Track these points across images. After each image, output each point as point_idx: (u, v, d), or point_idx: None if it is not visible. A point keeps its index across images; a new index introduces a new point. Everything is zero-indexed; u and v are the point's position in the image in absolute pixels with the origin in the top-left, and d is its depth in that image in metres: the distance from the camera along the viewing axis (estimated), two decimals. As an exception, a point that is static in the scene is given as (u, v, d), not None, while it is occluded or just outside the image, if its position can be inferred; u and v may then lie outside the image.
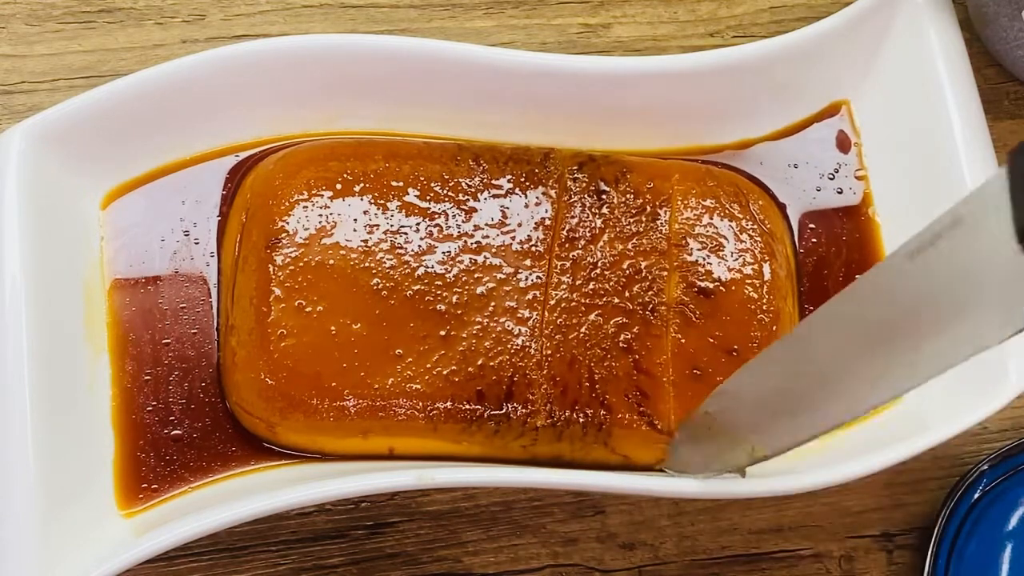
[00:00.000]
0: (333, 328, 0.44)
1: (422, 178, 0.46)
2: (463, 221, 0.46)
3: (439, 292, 0.45)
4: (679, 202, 0.47)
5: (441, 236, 0.45)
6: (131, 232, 0.47)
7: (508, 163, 0.47)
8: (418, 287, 0.45)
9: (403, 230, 0.45)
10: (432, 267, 0.45)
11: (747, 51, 0.48)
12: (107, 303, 0.46)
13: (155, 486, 0.44)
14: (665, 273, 0.46)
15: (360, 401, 0.43)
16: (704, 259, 0.46)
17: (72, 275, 0.45)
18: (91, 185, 0.46)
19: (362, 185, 0.46)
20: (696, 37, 0.54)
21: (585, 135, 0.49)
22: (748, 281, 0.46)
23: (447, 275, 0.45)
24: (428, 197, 0.46)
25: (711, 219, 0.47)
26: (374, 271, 0.45)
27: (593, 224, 0.46)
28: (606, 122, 0.49)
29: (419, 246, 0.45)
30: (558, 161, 0.47)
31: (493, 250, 0.45)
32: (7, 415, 0.41)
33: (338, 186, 0.46)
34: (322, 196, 0.45)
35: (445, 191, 0.46)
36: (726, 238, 0.47)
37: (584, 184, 0.47)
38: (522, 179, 0.47)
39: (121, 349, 0.45)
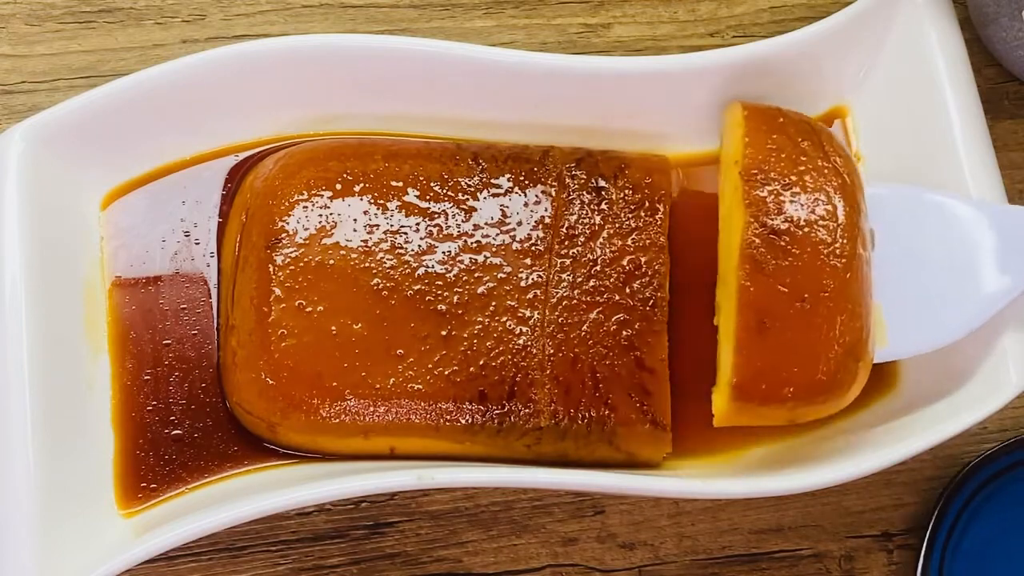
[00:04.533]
0: (334, 328, 0.44)
1: (421, 178, 0.46)
2: (463, 220, 0.46)
3: (440, 292, 0.45)
4: (746, 139, 0.44)
5: (441, 236, 0.45)
6: (131, 232, 0.47)
7: (507, 162, 0.47)
8: (419, 287, 0.45)
9: (403, 230, 0.45)
10: (432, 267, 0.45)
11: (747, 51, 0.48)
12: (107, 303, 0.46)
13: (155, 486, 0.44)
14: (665, 268, 0.46)
15: (361, 401, 0.43)
16: (775, 198, 0.43)
17: (72, 275, 0.45)
18: (91, 185, 0.46)
19: (362, 185, 0.46)
20: (696, 37, 0.54)
21: (585, 135, 0.49)
22: (821, 223, 0.43)
23: (447, 275, 0.45)
24: (428, 197, 0.46)
25: (782, 156, 0.44)
26: (374, 271, 0.45)
27: (592, 221, 0.46)
28: (606, 122, 0.49)
29: (419, 246, 0.45)
30: (557, 159, 0.47)
31: (493, 249, 0.45)
32: (7, 415, 0.41)
33: (338, 186, 0.46)
34: (322, 196, 0.45)
35: (445, 190, 0.46)
36: (798, 176, 0.43)
37: (583, 181, 0.47)
38: (521, 177, 0.47)
39: (121, 349, 0.46)
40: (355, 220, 0.45)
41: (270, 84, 0.47)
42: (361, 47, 0.47)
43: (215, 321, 0.46)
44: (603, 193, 0.47)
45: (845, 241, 0.43)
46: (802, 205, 0.43)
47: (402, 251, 0.45)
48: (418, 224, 0.45)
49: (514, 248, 0.46)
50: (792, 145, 0.44)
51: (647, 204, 0.47)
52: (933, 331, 0.45)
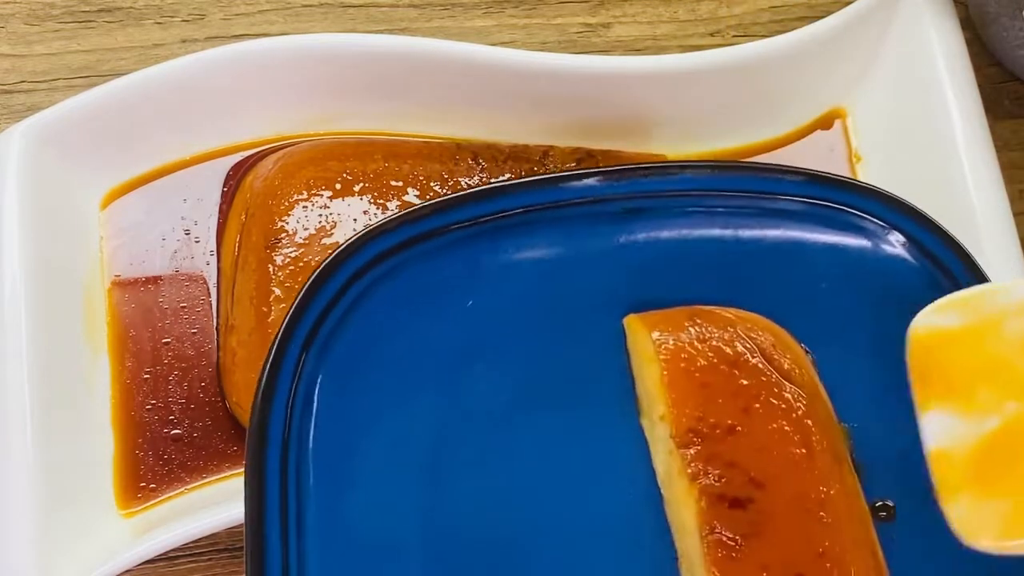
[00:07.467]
0: (333, 328, 0.44)
1: (421, 177, 0.46)
2: (463, 221, 0.46)
3: (439, 292, 0.45)
4: (666, 379, 0.35)
5: (441, 236, 0.45)
6: (131, 231, 0.47)
7: (507, 161, 0.47)
8: (418, 287, 0.45)
9: (403, 230, 0.45)
10: (432, 267, 0.45)
11: (747, 51, 0.48)
12: (107, 302, 0.46)
13: (154, 486, 0.44)
14: None
15: (360, 401, 0.43)
16: (725, 456, 0.34)
17: (72, 275, 0.45)
18: (91, 185, 0.46)
19: (362, 185, 0.46)
20: (696, 37, 0.54)
21: (584, 135, 0.49)
22: (790, 469, 0.35)
23: (447, 275, 0.45)
24: (428, 196, 0.46)
25: (716, 394, 0.35)
26: (374, 271, 0.45)
27: (593, 223, 0.46)
28: (605, 122, 0.49)
29: (419, 246, 0.45)
30: (557, 159, 0.47)
31: (493, 250, 0.45)
32: (7, 415, 0.41)
33: (338, 186, 0.46)
34: (322, 196, 0.45)
35: (444, 190, 0.46)
36: (745, 415, 0.35)
37: (583, 182, 0.47)
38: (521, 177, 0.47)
39: (121, 348, 0.45)
40: (355, 220, 0.45)
41: (270, 84, 0.46)
42: (361, 47, 0.47)
43: (215, 321, 0.46)
44: (603, 193, 0.47)
45: (826, 485, 0.34)
46: (760, 452, 0.34)
47: (402, 251, 0.45)
48: (418, 224, 0.45)
49: (514, 248, 0.46)
50: (727, 372, 0.35)
51: (647, 204, 0.47)
52: None
